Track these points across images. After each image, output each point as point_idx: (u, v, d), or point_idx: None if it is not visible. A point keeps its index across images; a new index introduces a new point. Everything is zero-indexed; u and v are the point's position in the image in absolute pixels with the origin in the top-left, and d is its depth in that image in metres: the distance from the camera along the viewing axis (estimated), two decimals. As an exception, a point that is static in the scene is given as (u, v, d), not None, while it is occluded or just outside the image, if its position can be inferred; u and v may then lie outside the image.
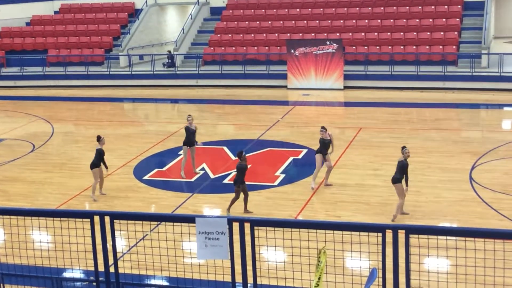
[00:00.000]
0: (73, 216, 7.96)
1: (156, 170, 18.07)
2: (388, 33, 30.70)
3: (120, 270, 7.70)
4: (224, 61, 31.58)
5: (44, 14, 37.62)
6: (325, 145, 15.63)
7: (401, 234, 6.54)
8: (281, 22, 32.91)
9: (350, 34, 31.13)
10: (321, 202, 14.94)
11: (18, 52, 35.12)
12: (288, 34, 31.89)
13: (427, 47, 29.65)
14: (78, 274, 9.91)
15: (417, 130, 21.60)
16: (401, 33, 30.51)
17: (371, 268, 7.26)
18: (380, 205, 14.45)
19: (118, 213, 8.27)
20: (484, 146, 18.95)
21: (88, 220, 7.42)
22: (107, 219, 7.38)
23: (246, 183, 14.31)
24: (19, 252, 8.87)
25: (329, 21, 32.16)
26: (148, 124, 25.40)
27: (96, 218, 7.38)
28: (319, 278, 6.97)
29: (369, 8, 32.43)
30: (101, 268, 7.56)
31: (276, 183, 16.50)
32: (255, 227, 6.98)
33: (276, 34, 32.24)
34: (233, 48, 32.29)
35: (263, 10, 34.11)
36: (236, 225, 7.00)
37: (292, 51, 29.29)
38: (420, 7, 31.75)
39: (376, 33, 30.87)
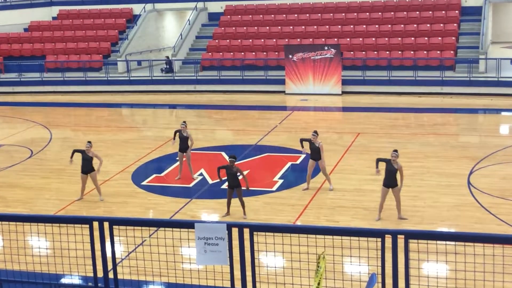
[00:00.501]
0: (72, 222, 7.95)
1: (154, 175, 18.07)
2: (386, 38, 30.76)
3: (119, 276, 7.67)
4: (222, 66, 31.60)
5: (42, 20, 37.64)
6: (313, 150, 15.63)
7: (400, 239, 6.54)
8: (279, 27, 32.97)
9: (348, 39, 31.18)
10: (319, 207, 14.94)
11: (16, 58, 35.12)
12: (286, 40, 31.94)
13: (425, 52, 29.70)
14: (76, 280, 9.89)
15: (415, 135, 21.63)
16: (399, 38, 30.57)
17: (370, 274, 7.25)
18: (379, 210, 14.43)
19: (118, 219, 8.26)
20: (482, 151, 18.97)
21: (87, 226, 7.40)
22: (106, 225, 7.37)
23: (243, 188, 14.33)
24: (18, 258, 8.86)
25: (327, 27, 32.21)
26: (146, 129, 25.41)
27: (95, 224, 7.37)
28: (318, 284, 6.95)
29: (367, 14, 32.50)
30: (100, 274, 7.55)
31: (274, 188, 16.50)
32: (255, 233, 6.98)
33: (274, 40, 32.28)
34: (231, 53, 32.32)
35: (261, 16, 34.17)
36: (235, 231, 6.99)
37: (290, 56, 29.33)
38: (417, 13, 31.83)
39: (374, 38, 30.93)
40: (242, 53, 32.10)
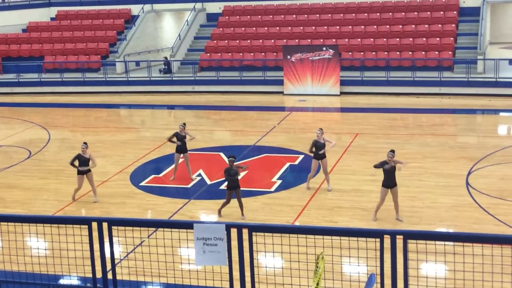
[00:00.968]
0: (71, 222, 7.95)
1: (152, 176, 18.06)
2: (384, 39, 30.78)
3: (118, 277, 7.67)
4: (221, 67, 31.61)
5: (40, 20, 37.63)
6: (317, 147, 15.65)
7: (399, 240, 6.54)
8: (278, 28, 32.98)
9: (346, 40, 31.20)
10: (318, 208, 14.94)
11: (15, 58, 35.09)
12: (285, 40, 31.95)
13: (423, 52, 29.73)
14: (75, 281, 9.88)
15: (414, 135, 21.64)
16: (397, 39, 30.59)
17: (369, 274, 7.26)
18: (379, 210, 14.43)
19: (116, 219, 8.26)
20: (480, 152, 18.99)
21: (86, 226, 7.40)
22: (104, 225, 7.37)
23: (243, 188, 14.35)
24: (17, 259, 8.85)
25: (325, 27, 32.23)
26: (144, 130, 25.40)
27: (94, 225, 7.37)
28: (317, 284, 6.96)
29: (365, 14, 32.52)
30: (98, 274, 7.54)
31: (272, 189, 16.50)
32: (253, 233, 6.98)
33: (272, 40, 32.29)
34: (230, 54, 32.33)
35: (259, 16, 34.18)
36: (234, 231, 6.99)
37: (289, 57, 29.34)
38: (416, 13, 31.86)
39: (372, 39, 30.95)
40: (241, 54, 32.10)
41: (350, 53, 30.64)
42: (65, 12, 37.91)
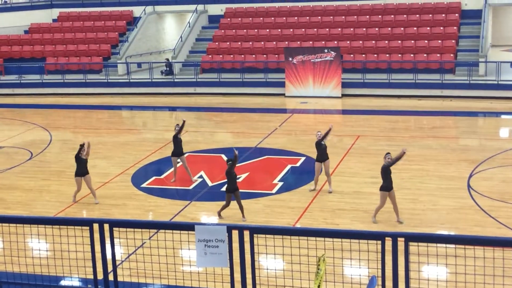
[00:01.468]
0: (73, 224, 7.95)
1: (154, 178, 18.06)
2: (386, 41, 30.78)
3: (119, 278, 7.67)
4: (222, 69, 31.62)
5: (42, 22, 37.65)
6: (321, 149, 15.70)
7: (401, 242, 6.54)
8: (279, 30, 32.98)
9: (348, 42, 31.20)
10: (319, 210, 14.93)
11: (16, 60, 35.14)
12: (286, 42, 31.95)
13: (425, 55, 29.72)
14: (76, 282, 9.89)
15: (415, 138, 21.62)
16: (399, 41, 30.59)
17: (370, 276, 7.25)
18: (378, 213, 14.42)
19: (118, 221, 8.27)
20: (482, 154, 18.97)
21: (87, 228, 7.41)
22: (106, 227, 7.37)
23: (245, 190, 14.34)
24: (18, 260, 8.86)
25: (327, 29, 32.23)
26: (146, 132, 25.40)
27: (95, 226, 7.37)
28: (318, 286, 6.96)
29: (367, 17, 32.52)
30: (100, 276, 7.54)
31: (274, 191, 16.49)
32: (255, 235, 6.98)
33: (274, 42, 32.29)
34: (231, 56, 32.34)
35: (261, 18, 34.19)
36: (235, 233, 6.99)
37: (290, 59, 29.35)
38: (417, 16, 31.86)
39: (374, 41, 30.95)
40: (242, 56, 32.11)
41: (351, 55, 30.64)
42: (67, 13, 37.95)
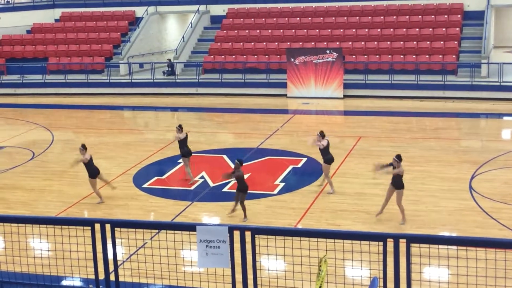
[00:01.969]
0: (74, 224, 7.95)
1: (155, 178, 18.07)
2: (388, 42, 30.77)
3: (121, 278, 7.67)
4: (224, 69, 31.62)
5: (44, 22, 37.68)
6: (325, 151, 15.76)
7: (402, 243, 6.53)
8: (281, 31, 32.98)
9: (350, 43, 31.19)
10: (320, 211, 14.93)
11: (19, 60, 35.17)
12: (288, 43, 31.95)
13: (427, 56, 29.71)
14: (78, 282, 9.89)
15: (417, 139, 21.61)
16: (401, 42, 30.58)
17: (371, 277, 7.24)
18: (381, 214, 14.42)
19: (119, 221, 8.26)
20: (484, 156, 18.96)
21: (89, 228, 7.41)
22: (107, 227, 7.37)
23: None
24: (19, 259, 8.85)
25: (329, 30, 32.22)
26: (147, 132, 25.42)
27: (97, 226, 7.37)
28: (319, 287, 6.95)
29: (369, 17, 32.50)
30: (101, 276, 7.54)
31: (275, 191, 16.49)
32: (256, 236, 6.98)
33: (276, 43, 32.29)
34: (233, 56, 32.34)
35: (263, 19, 34.19)
36: (237, 234, 6.99)
37: (292, 59, 29.35)
38: (420, 17, 31.83)
39: (376, 42, 30.94)
40: (244, 56, 32.11)
41: (353, 56, 30.63)
42: (69, 13, 37.98)
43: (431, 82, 28.19)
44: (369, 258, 6.85)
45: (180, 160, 17.37)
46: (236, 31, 33.80)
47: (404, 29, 31.27)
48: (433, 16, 31.66)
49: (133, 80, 32.14)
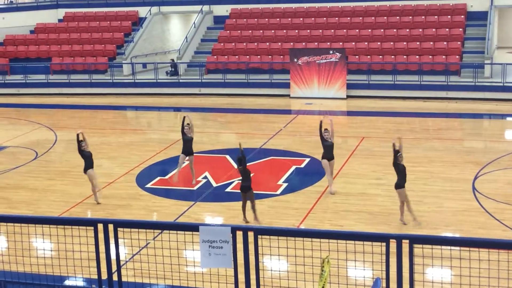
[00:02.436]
0: (77, 224, 7.97)
1: (158, 178, 18.07)
2: (391, 43, 30.74)
3: (123, 278, 7.68)
4: (227, 69, 31.63)
5: (48, 22, 37.72)
6: (327, 147, 15.72)
7: (405, 244, 6.53)
8: (284, 31, 32.97)
9: (353, 43, 31.17)
10: (323, 211, 14.92)
11: (22, 60, 35.20)
12: (291, 43, 31.94)
13: (430, 56, 29.67)
14: (80, 282, 9.90)
15: (420, 139, 21.59)
16: (404, 43, 30.55)
17: (374, 278, 7.24)
18: (383, 214, 14.43)
19: (122, 221, 8.28)
20: (487, 156, 18.93)
21: (92, 228, 7.42)
22: (110, 227, 7.38)
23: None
24: (22, 259, 8.87)
25: (332, 31, 32.21)
26: (150, 132, 25.43)
27: (100, 226, 7.38)
28: (322, 288, 6.95)
29: (372, 18, 32.48)
30: (104, 276, 7.55)
31: (278, 192, 16.49)
32: (259, 236, 6.98)
33: (279, 43, 32.29)
34: (236, 56, 32.34)
35: (266, 19, 34.19)
36: (239, 234, 6.99)
37: (295, 60, 29.34)
38: (423, 17, 31.81)
39: (379, 43, 30.91)
40: (247, 57, 32.11)
41: (357, 56, 30.61)
42: (73, 13, 38.02)
43: (434, 82, 28.17)
44: (372, 258, 6.86)
45: (187, 159, 17.32)
46: (239, 31, 33.81)
47: (407, 30, 31.24)
48: (436, 17, 31.63)
49: (136, 80, 32.17)
